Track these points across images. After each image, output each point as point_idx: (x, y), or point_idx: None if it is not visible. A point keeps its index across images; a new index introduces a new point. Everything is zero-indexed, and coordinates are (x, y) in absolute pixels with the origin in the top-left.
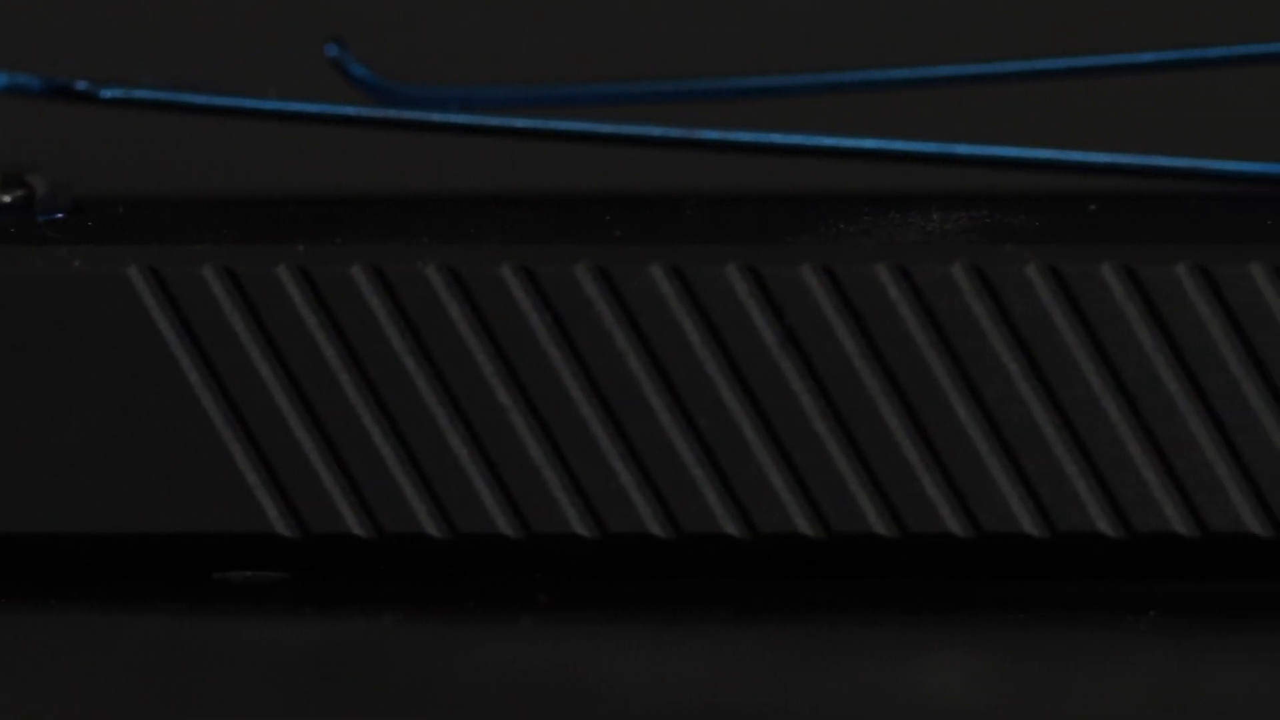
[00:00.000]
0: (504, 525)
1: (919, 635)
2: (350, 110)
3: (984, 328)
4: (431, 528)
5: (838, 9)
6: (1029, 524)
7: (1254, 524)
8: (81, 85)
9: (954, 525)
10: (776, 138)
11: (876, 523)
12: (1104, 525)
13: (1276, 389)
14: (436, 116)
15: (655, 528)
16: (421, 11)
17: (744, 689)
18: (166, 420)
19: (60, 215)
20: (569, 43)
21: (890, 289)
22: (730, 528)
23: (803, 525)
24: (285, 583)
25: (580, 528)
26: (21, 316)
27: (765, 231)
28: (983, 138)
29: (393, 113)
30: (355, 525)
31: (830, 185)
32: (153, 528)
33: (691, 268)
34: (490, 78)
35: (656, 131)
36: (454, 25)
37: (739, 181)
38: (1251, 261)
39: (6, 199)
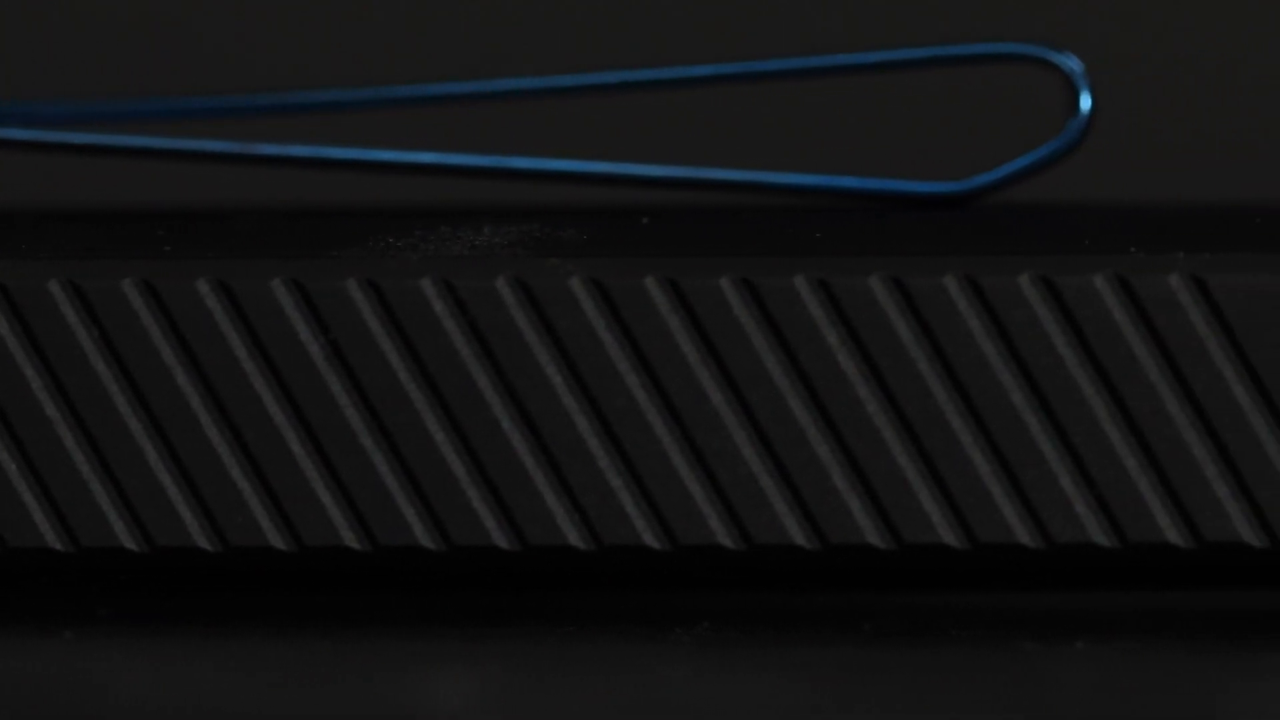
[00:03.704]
0: (52, 540)
1: (427, 649)
2: None
3: (529, 341)
4: None
5: (395, 24)
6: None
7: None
8: None
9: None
10: (336, 152)
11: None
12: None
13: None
14: None
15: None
16: None
17: (258, 700)
18: None
19: None
20: (134, 57)
21: (435, 303)
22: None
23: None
24: None
25: (128, 541)
26: None
27: (313, 246)
28: (539, 151)
29: None
30: None
31: (388, 199)
32: None
33: (236, 282)
34: (55, 92)
35: (212, 146)
36: (23, 40)
37: (296, 196)
38: (795, 275)
39: None
